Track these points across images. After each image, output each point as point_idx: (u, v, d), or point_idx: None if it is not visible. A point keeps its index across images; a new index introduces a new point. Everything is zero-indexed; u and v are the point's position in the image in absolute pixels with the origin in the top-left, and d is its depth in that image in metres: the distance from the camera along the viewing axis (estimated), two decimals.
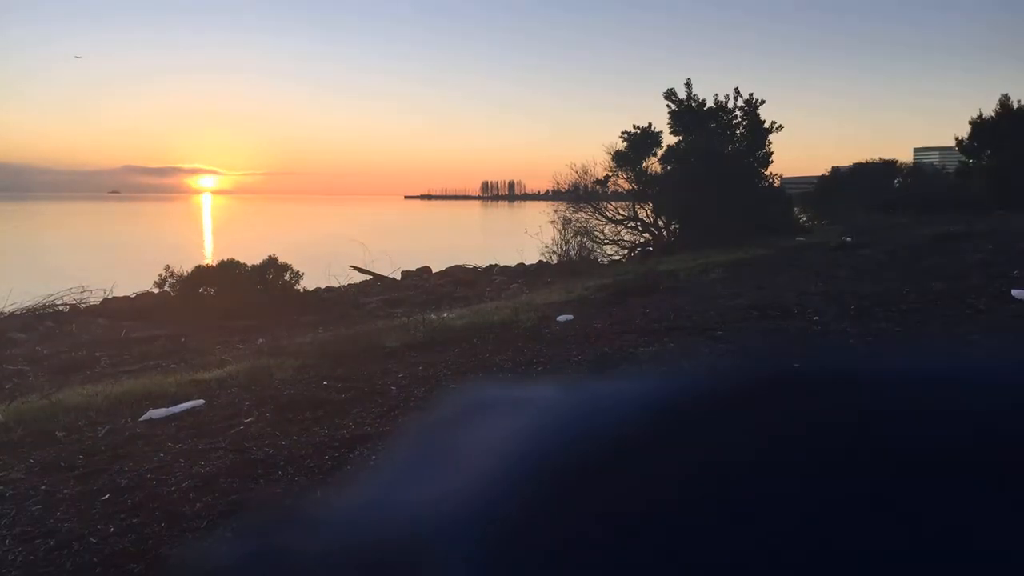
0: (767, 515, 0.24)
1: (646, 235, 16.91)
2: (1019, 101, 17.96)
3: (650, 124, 17.02)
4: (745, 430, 0.29)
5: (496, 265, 15.95)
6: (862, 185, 19.24)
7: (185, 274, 10.11)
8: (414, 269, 15.06)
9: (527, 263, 15.84)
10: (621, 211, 16.93)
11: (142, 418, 3.66)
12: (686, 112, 16.51)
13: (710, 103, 16.56)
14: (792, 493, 0.25)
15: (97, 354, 7.18)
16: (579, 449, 0.31)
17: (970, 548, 0.23)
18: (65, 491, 2.65)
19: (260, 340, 7.21)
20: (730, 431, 0.29)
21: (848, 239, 9.95)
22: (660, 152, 16.93)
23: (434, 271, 15.09)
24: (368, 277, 13.62)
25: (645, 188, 16.91)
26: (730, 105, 16.57)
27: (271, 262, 10.50)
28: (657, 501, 0.27)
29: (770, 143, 16.69)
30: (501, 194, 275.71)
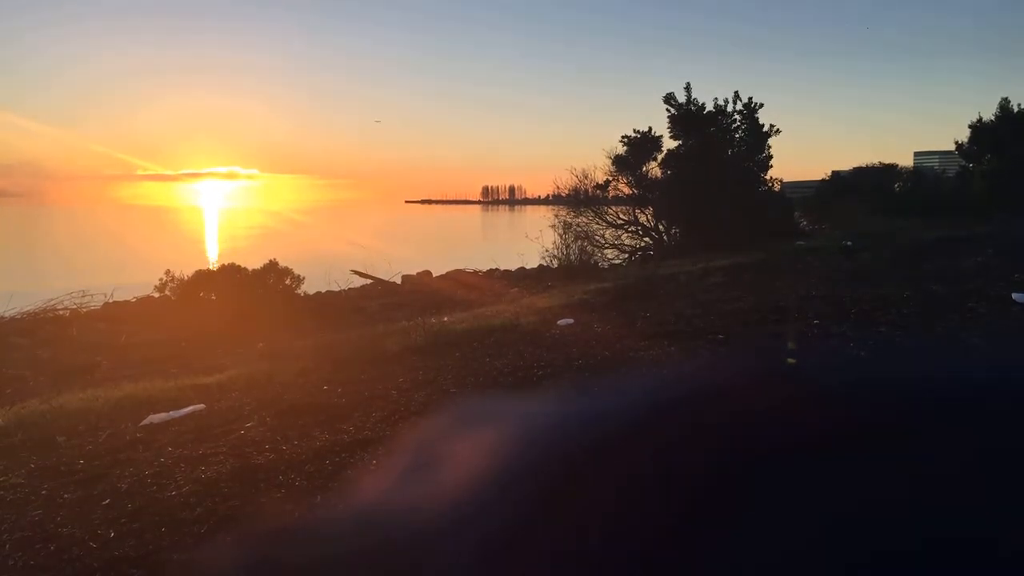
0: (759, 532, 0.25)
1: (646, 239, 16.92)
2: (1019, 105, 17.95)
3: (650, 128, 17.06)
4: (745, 440, 0.29)
5: (497, 269, 15.97)
6: (862, 189, 19.24)
7: (186, 278, 10.13)
8: (414, 273, 15.07)
9: (528, 267, 15.86)
10: (621, 215, 16.95)
11: (143, 423, 3.66)
12: (686, 116, 16.53)
13: (709, 107, 16.58)
14: (800, 523, 0.25)
15: (98, 358, 7.18)
16: (580, 456, 0.31)
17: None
18: (66, 496, 2.65)
19: (260, 344, 7.21)
20: (725, 440, 0.29)
21: (848, 243, 9.94)
22: (660, 156, 16.96)
23: (434, 275, 15.10)
24: (369, 281, 13.63)
25: (645, 192, 16.93)
26: (729, 109, 16.59)
27: (272, 266, 10.52)
28: (652, 511, 0.27)
29: (769, 147, 16.71)
30: (501, 199, 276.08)
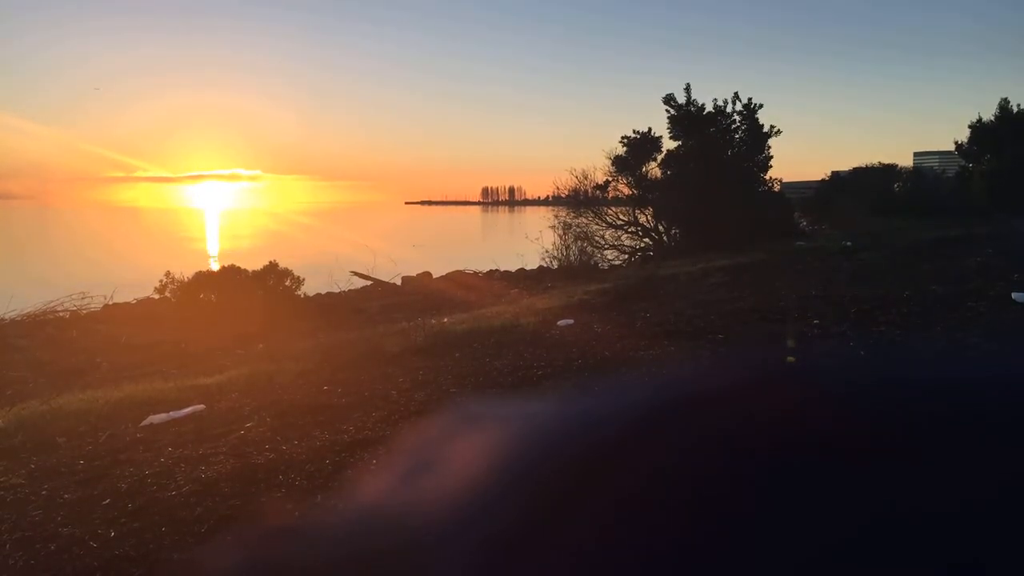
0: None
1: (646, 240, 16.92)
2: (1019, 105, 17.97)
3: (650, 129, 17.06)
4: (743, 440, 0.29)
5: (497, 270, 15.96)
6: (862, 189, 19.24)
7: (186, 280, 10.13)
8: (415, 274, 15.05)
9: (528, 268, 15.86)
10: (621, 216, 16.95)
11: (143, 423, 3.66)
12: (685, 117, 16.52)
13: (709, 108, 16.58)
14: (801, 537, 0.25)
15: (98, 360, 7.18)
16: (580, 457, 0.31)
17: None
18: (66, 496, 2.65)
19: (260, 345, 7.21)
20: (724, 442, 0.29)
21: (848, 243, 9.94)
22: (660, 157, 16.97)
23: (435, 276, 15.09)
24: (369, 282, 13.62)
25: (645, 193, 16.94)
26: (729, 109, 16.58)
27: (271, 268, 10.52)
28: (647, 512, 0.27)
29: (769, 147, 16.71)
30: (501, 200, 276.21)
